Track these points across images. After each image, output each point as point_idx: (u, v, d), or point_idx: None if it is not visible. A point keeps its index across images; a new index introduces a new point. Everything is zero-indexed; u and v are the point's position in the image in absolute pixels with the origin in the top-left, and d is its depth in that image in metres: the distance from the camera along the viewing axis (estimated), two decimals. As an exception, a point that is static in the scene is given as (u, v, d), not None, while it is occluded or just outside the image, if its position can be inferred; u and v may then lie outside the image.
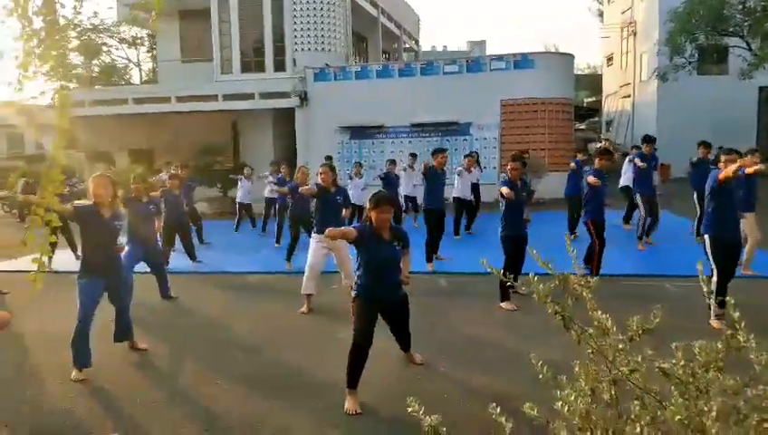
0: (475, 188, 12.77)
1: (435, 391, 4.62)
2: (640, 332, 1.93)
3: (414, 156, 13.97)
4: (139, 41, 32.01)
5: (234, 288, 8.81)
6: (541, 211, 14.85)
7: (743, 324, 1.93)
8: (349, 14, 21.69)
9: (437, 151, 9.49)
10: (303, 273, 7.25)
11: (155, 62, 26.35)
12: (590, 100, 41.38)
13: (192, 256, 10.51)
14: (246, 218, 14.27)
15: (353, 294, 4.76)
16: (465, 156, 12.72)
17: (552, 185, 16.49)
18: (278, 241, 12.03)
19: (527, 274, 2.14)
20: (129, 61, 32.85)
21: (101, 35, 30.46)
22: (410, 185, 13.48)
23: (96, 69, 28.19)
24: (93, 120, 21.84)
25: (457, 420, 3.94)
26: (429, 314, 6.71)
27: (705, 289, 2.18)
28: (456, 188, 11.85)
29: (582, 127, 37.65)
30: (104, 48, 30.64)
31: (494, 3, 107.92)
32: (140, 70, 32.97)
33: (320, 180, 7.38)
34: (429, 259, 9.20)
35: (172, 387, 5.01)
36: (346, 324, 6.40)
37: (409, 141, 19.09)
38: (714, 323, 5.89)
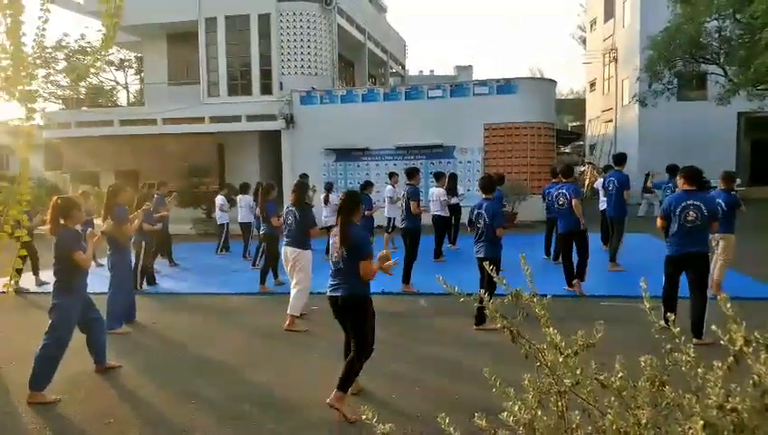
0: (455, 209, 12.95)
1: (408, 408, 4.70)
2: (585, 346, 2.04)
3: (394, 175, 13.70)
4: (126, 63, 32.22)
5: (216, 310, 8.83)
6: (524, 234, 15.08)
7: (683, 339, 2.04)
8: (335, 39, 22.01)
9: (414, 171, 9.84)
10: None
11: (142, 84, 26.47)
12: (574, 124, 42.04)
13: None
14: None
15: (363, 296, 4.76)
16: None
17: (534, 207, 16.71)
18: (255, 264, 11.80)
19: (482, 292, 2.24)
20: (117, 83, 33.02)
21: (89, 57, 30.65)
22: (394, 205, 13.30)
23: (83, 90, 28.26)
24: (80, 142, 21.91)
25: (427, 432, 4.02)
26: (407, 332, 6.79)
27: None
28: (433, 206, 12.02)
29: (567, 150, 38.22)
30: (92, 70, 30.77)
31: (483, 30, 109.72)
32: (128, 92, 33.11)
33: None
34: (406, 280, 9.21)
35: (146, 408, 5.04)
36: (319, 346, 6.55)
37: (394, 164, 19.26)
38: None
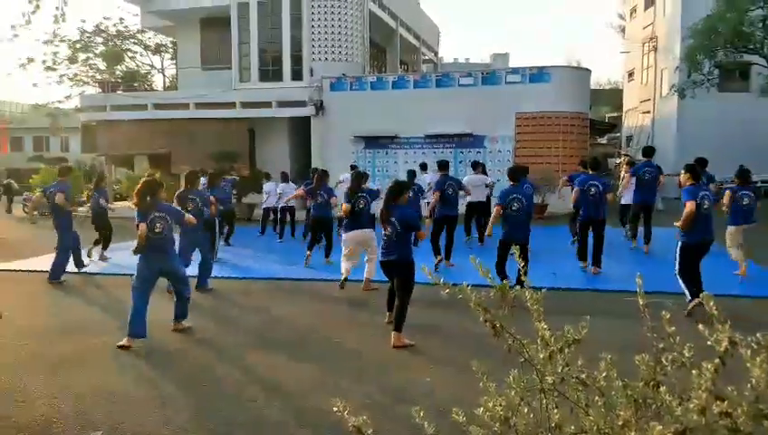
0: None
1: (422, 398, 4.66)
2: (570, 342, 1.96)
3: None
4: (162, 48, 32.61)
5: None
6: (553, 225, 14.84)
7: (677, 339, 1.94)
8: (367, 25, 21.90)
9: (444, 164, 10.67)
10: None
11: (177, 68, 26.82)
12: (611, 115, 41.14)
13: None
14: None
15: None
16: None
17: (565, 198, 16.39)
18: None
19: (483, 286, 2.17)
20: (153, 67, 33.46)
21: (126, 42, 31.12)
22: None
23: (119, 74, 28.74)
24: (115, 125, 22.31)
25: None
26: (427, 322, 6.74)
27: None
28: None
29: (603, 141, 37.43)
30: (128, 54, 31.25)
31: (522, 17, 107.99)
32: (164, 76, 33.55)
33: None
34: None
35: (161, 386, 5.10)
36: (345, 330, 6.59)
37: (423, 152, 19.15)
38: None
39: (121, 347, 5.94)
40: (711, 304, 1.58)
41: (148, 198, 6.16)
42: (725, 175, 10.30)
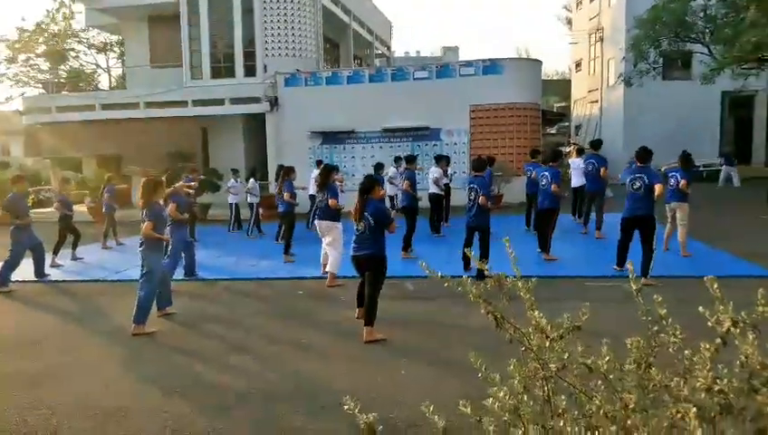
0: (447, 189, 13.45)
1: (392, 390, 4.68)
2: (571, 329, 2.00)
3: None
4: (108, 46, 31.64)
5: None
6: (509, 214, 15.09)
7: (669, 321, 2.01)
8: (320, 20, 21.73)
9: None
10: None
11: (124, 67, 26.04)
12: (559, 105, 42.00)
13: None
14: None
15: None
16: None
17: (520, 189, 16.69)
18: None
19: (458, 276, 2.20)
20: (99, 66, 32.44)
21: (69, 40, 30.09)
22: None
23: (63, 74, 27.75)
24: (60, 127, 21.56)
25: (411, 421, 4.00)
26: (397, 316, 6.77)
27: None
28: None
29: (552, 131, 38.22)
30: (72, 53, 30.23)
31: (469, 10, 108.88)
32: (110, 76, 32.56)
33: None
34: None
35: (129, 398, 4.98)
36: (307, 328, 6.55)
37: (380, 147, 19.18)
38: None
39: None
40: (715, 286, 1.64)
41: (150, 197, 6.74)
42: (670, 160, 10.81)
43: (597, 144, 12.23)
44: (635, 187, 7.81)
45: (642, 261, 7.58)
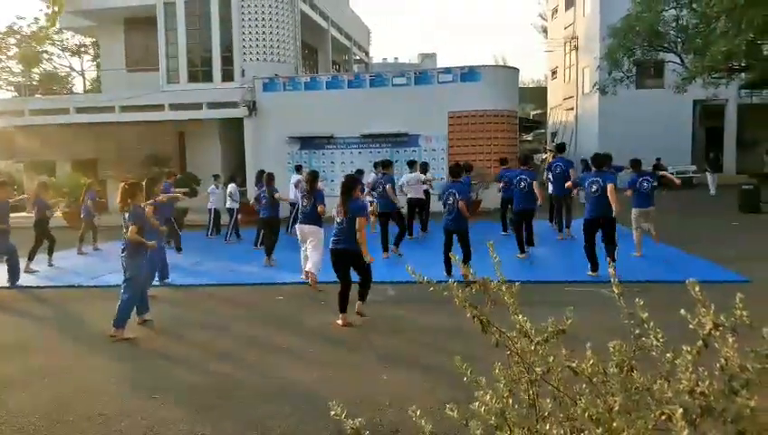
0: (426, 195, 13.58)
1: (377, 396, 4.68)
2: (555, 333, 2.03)
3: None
4: (83, 49, 31.22)
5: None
6: (487, 220, 15.20)
7: (651, 325, 2.05)
8: (298, 25, 21.70)
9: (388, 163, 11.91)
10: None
11: (99, 70, 25.70)
12: (535, 112, 42.43)
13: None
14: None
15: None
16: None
17: (498, 195, 16.81)
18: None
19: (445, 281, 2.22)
20: (73, 69, 31.98)
21: (43, 43, 29.58)
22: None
23: (36, 77, 27.28)
24: (34, 130, 21.19)
25: (396, 426, 4.01)
26: (377, 321, 6.78)
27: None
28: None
29: (529, 138, 38.62)
30: (45, 56, 29.74)
31: (447, 17, 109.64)
32: (84, 79, 32.12)
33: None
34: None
35: (105, 405, 4.91)
36: (287, 332, 6.53)
37: (359, 152, 19.19)
38: None
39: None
40: (697, 289, 1.68)
41: (129, 201, 6.76)
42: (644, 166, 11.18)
43: (562, 147, 12.83)
44: (593, 190, 8.44)
45: (608, 254, 8.37)
